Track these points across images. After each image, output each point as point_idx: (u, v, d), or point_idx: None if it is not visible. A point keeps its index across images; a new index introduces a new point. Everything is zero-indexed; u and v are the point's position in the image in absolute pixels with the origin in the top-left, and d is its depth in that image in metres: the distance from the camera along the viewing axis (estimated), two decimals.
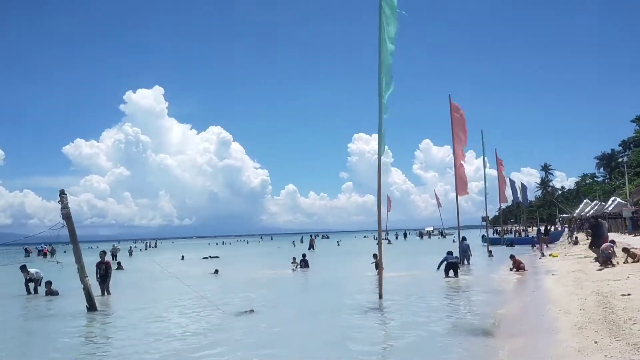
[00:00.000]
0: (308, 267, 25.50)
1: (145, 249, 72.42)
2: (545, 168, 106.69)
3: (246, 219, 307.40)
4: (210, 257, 41.12)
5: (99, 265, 16.54)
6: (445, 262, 18.60)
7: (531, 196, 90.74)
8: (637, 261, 15.88)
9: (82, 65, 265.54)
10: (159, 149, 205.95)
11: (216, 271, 24.11)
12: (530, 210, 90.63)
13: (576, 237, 36.15)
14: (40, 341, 10.25)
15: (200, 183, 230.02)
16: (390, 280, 16.23)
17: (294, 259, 26.92)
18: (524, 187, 57.55)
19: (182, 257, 40.78)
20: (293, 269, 24.54)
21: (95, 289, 15.73)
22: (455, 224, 29.10)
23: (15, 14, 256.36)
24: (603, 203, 49.83)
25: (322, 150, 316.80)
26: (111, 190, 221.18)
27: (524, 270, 19.42)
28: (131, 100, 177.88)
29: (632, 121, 64.77)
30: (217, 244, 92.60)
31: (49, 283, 17.02)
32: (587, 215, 50.26)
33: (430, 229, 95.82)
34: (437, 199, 74.98)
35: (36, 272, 18.11)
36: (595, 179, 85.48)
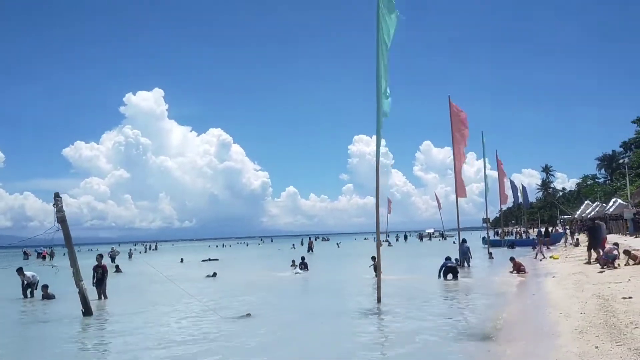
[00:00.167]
0: (307, 269, 25.35)
1: (145, 252, 72.28)
2: (546, 169, 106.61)
3: (247, 221, 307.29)
4: (209, 259, 41.01)
5: (95, 268, 16.41)
6: (444, 268, 18.46)
7: (532, 197, 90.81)
8: (639, 263, 15.75)
9: (82, 68, 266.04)
10: (159, 151, 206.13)
11: (214, 274, 23.97)
12: (531, 212, 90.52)
13: (577, 239, 36.02)
14: (35, 347, 10.10)
15: (200, 185, 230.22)
16: (389, 283, 16.08)
17: (293, 261, 26.79)
18: (524, 189, 57.43)
19: (182, 260, 40.64)
20: (296, 272, 24.38)
21: (92, 293, 15.69)
22: (455, 225, 28.94)
23: (16, 16, 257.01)
24: (604, 204, 49.68)
25: (322, 152, 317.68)
26: (111, 192, 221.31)
27: (525, 272, 19.28)
28: (131, 103, 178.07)
29: (633, 122, 64.63)
30: (217, 246, 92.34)
31: (45, 287, 16.88)
32: (588, 216, 50.13)
33: (431, 230, 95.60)
34: (438, 201, 74.85)
35: (32, 276, 18.00)
36: (596, 180, 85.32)
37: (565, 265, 19.85)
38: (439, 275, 18.39)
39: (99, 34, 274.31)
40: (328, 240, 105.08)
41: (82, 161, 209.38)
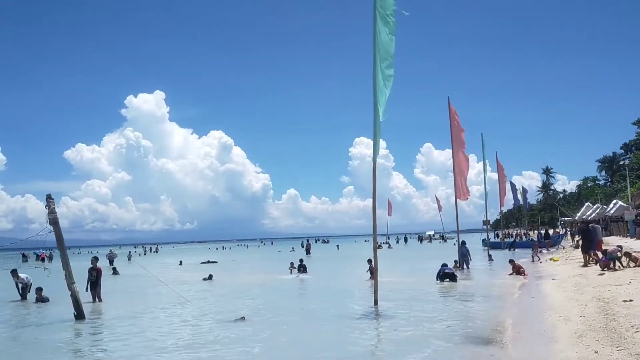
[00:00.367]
0: (306, 272, 25.18)
1: (145, 254, 72.19)
2: (547, 171, 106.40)
3: (248, 223, 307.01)
4: (209, 262, 40.81)
5: (90, 271, 16.25)
6: (441, 274, 18.29)
7: (532, 199, 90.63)
8: (639, 265, 15.56)
9: (83, 70, 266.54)
10: (160, 154, 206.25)
11: (210, 276, 23.76)
12: (531, 214, 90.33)
13: (577, 241, 35.79)
14: (22, 352, 9.88)
15: (201, 187, 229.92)
16: (387, 286, 15.87)
17: (292, 263, 26.60)
18: (524, 191, 57.26)
19: (180, 262, 40.43)
20: (298, 275, 24.19)
21: (87, 296, 15.54)
22: (456, 227, 28.73)
23: (17, 19, 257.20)
24: (605, 206, 49.49)
25: (323, 155, 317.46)
26: (112, 194, 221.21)
27: (524, 274, 19.11)
28: (132, 105, 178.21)
29: (634, 124, 64.53)
30: (217, 248, 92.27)
31: (39, 289, 16.71)
32: (589, 218, 49.95)
33: (431, 232, 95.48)
34: (438, 203, 74.86)
35: (26, 278, 17.87)
36: (597, 182, 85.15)
37: (565, 268, 19.65)
38: (437, 280, 18.20)
39: (100, 37, 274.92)
40: (328, 242, 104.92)
41: (84, 163, 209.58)
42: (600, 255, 17.47)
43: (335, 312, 12.50)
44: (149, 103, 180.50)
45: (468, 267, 23.67)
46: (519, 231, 70.90)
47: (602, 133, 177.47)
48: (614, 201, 45.48)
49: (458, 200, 26.46)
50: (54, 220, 12.53)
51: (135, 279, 25.15)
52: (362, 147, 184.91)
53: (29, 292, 17.41)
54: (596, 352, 6.71)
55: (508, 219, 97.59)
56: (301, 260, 26.75)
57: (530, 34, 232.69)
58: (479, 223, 65.60)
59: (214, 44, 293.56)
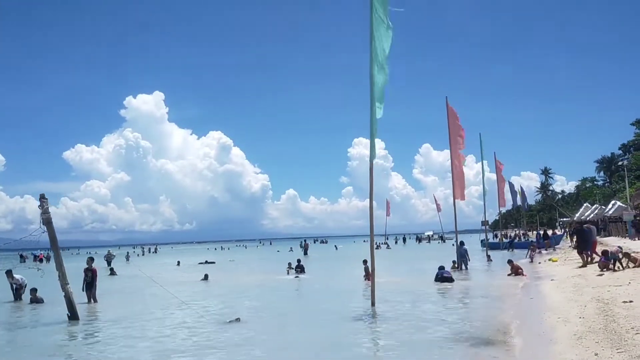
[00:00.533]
0: (304, 272, 25.06)
1: (143, 255, 72.06)
2: (545, 172, 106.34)
3: (247, 223, 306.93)
4: (207, 262, 40.63)
5: (85, 271, 16.13)
6: (439, 277, 18.17)
7: (531, 200, 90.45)
8: (639, 266, 15.47)
9: (82, 71, 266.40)
10: (160, 154, 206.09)
11: (206, 276, 23.61)
12: (530, 215, 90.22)
13: (575, 242, 35.69)
14: (19, 354, 9.72)
15: (200, 188, 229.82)
16: (385, 287, 15.76)
17: (290, 264, 26.48)
18: (523, 191, 57.17)
19: (178, 263, 40.28)
20: (296, 276, 24.06)
21: (82, 297, 15.43)
22: (454, 228, 28.61)
23: (16, 19, 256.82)
24: (603, 207, 49.43)
25: (322, 155, 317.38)
26: (112, 195, 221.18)
27: (523, 275, 19.00)
28: (131, 106, 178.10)
29: (632, 124, 64.48)
30: (215, 249, 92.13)
31: (34, 290, 16.58)
32: (587, 219, 49.89)
33: (430, 233, 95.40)
34: (437, 204, 74.61)
35: (21, 279, 17.76)
36: (596, 182, 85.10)
37: (564, 268, 19.54)
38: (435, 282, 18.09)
39: (99, 37, 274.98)
40: (326, 242, 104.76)
41: (83, 164, 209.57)
42: (596, 256, 17.40)
43: (332, 314, 12.35)
44: (148, 104, 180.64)
45: (467, 268, 23.55)
46: (517, 232, 70.74)
47: (601, 134, 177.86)
48: (613, 202, 45.42)
49: (458, 199, 26.39)
50: (47, 221, 12.41)
51: (132, 280, 25.00)
52: (361, 147, 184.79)
53: (23, 293, 17.28)
54: (596, 354, 6.60)
55: (507, 220, 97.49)
56: (299, 261, 26.62)
57: (529, 34, 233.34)
58: (477, 223, 65.46)
59: (212, 44, 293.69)
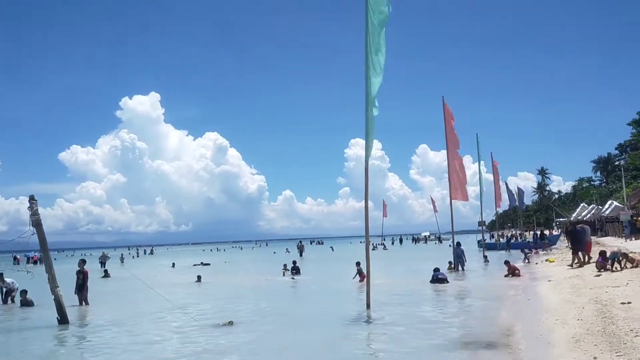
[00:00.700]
0: (299, 274, 24.87)
1: (137, 256, 71.67)
2: (542, 172, 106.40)
3: (243, 225, 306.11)
4: (202, 263, 40.36)
5: (77, 274, 15.94)
6: (435, 279, 18.02)
7: (528, 200, 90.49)
8: (636, 266, 15.33)
9: (78, 71, 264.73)
10: (156, 155, 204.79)
11: (199, 278, 23.38)
12: (527, 215, 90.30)
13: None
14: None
15: (196, 189, 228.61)
16: (380, 289, 15.55)
17: (285, 265, 26.28)
18: (520, 191, 57.12)
19: (173, 265, 40.01)
20: (292, 277, 23.85)
21: (73, 299, 15.23)
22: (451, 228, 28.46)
23: (11, 20, 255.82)
24: (600, 207, 49.39)
25: (319, 156, 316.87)
26: (107, 196, 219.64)
27: (520, 276, 18.86)
28: (127, 107, 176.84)
29: (629, 124, 64.38)
30: (211, 250, 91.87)
31: (24, 292, 16.37)
32: (584, 219, 49.86)
33: (427, 234, 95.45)
34: (433, 204, 74.64)
35: (12, 282, 17.54)
36: (592, 182, 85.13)
37: (561, 269, 19.38)
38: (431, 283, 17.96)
39: (95, 38, 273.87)
40: (322, 243, 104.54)
41: (78, 165, 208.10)
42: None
43: (326, 316, 12.16)
44: (144, 105, 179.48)
45: (463, 269, 23.42)
46: (514, 232, 70.76)
47: (598, 134, 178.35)
48: (610, 202, 45.36)
49: (454, 200, 26.23)
50: (37, 222, 12.17)
51: (126, 282, 24.73)
52: (357, 148, 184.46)
53: (15, 296, 17.04)
54: (595, 357, 6.43)
55: (504, 220, 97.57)
56: (294, 262, 26.43)
57: (526, 34, 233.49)
58: (474, 224, 65.64)
59: (209, 45, 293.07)
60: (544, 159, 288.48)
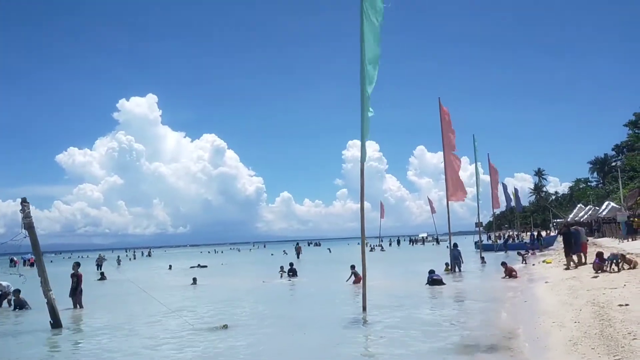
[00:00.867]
0: (296, 276, 24.76)
1: (134, 258, 71.44)
2: (539, 173, 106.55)
3: (241, 226, 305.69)
4: (199, 265, 40.24)
5: (71, 277, 15.85)
6: (430, 280, 17.95)
7: (525, 201, 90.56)
8: (634, 267, 15.28)
9: (75, 73, 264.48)
10: (153, 157, 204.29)
11: (194, 280, 23.24)
12: (524, 216, 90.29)
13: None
14: None
15: (194, 191, 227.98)
16: (377, 291, 15.48)
17: (282, 267, 26.17)
18: (516, 192, 57.17)
19: (170, 267, 39.88)
20: (289, 279, 23.74)
21: (68, 302, 15.17)
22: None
23: (8, 23, 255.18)
24: (597, 208, 49.39)
25: (316, 158, 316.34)
26: (105, 198, 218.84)
27: (516, 277, 18.80)
28: (124, 109, 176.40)
29: (625, 125, 64.48)
30: (209, 252, 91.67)
31: (17, 291, 16.32)
32: (581, 220, 49.86)
33: (424, 235, 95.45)
34: (431, 205, 74.67)
35: (7, 286, 17.43)
36: (589, 183, 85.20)
37: (558, 270, 19.32)
38: (427, 285, 17.87)
39: (92, 40, 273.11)
40: (319, 245, 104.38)
41: (76, 167, 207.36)
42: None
43: (322, 319, 12.07)
44: (141, 106, 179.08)
45: (460, 270, 23.35)
46: (511, 233, 70.79)
47: (594, 135, 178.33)
48: (606, 203, 45.38)
49: (451, 201, 26.18)
50: (29, 225, 12.05)
51: (122, 285, 24.57)
52: (355, 150, 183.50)
53: (11, 299, 16.90)
54: None
55: (501, 221, 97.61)
56: (291, 265, 26.31)
57: (524, 34, 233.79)
58: (471, 225, 65.59)
59: (206, 47, 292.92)
60: (540, 160, 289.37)
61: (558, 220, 69.15)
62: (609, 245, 28.49)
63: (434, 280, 17.83)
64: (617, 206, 40.77)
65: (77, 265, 16.36)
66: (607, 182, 70.04)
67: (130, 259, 67.86)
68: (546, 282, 16.03)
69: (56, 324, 12.06)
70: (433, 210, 73.30)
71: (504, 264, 20.26)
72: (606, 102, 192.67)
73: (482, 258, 29.31)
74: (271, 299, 17.53)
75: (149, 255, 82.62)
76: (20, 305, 15.97)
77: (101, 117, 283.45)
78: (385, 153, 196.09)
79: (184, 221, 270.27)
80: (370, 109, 12.48)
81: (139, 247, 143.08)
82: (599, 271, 15.53)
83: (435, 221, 73.08)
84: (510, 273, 19.17)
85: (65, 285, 16.17)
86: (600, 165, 79.13)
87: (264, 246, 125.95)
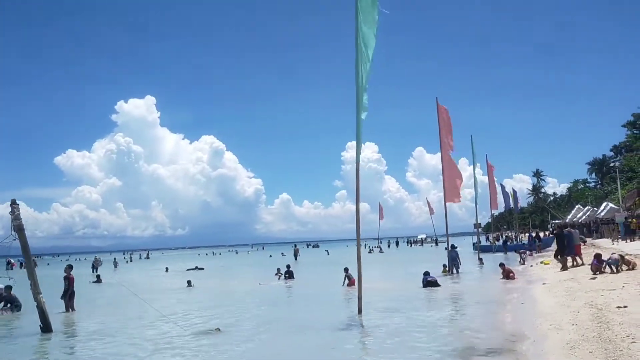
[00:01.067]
0: (293, 278, 24.58)
1: (131, 261, 71.15)
2: (537, 174, 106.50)
3: (240, 228, 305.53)
4: (196, 268, 40.05)
5: (64, 279, 15.66)
6: (425, 282, 17.79)
7: (523, 202, 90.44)
8: (632, 269, 15.13)
9: (73, 75, 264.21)
10: (151, 159, 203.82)
11: (189, 282, 23.04)
12: (522, 217, 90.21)
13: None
14: None
15: (193, 193, 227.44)
16: (372, 293, 15.27)
17: (279, 269, 26.00)
18: (515, 193, 57.06)
19: (167, 269, 39.66)
20: (286, 282, 23.55)
21: (60, 304, 15.02)
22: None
23: (6, 25, 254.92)
24: (595, 208, 49.31)
25: (315, 159, 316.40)
26: (103, 200, 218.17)
27: (514, 279, 18.65)
28: (123, 110, 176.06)
29: (623, 126, 64.46)
30: (206, 254, 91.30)
31: (8, 288, 16.17)
32: (579, 221, 49.79)
33: (423, 236, 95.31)
34: (429, 207, 74.44)
35: (1, 288, 17.14)
36: (587, 184, 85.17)
37: (556, 271, 19.17)
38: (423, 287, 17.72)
39: (90, 43, 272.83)
40: (318, 247, 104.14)
41: (74, 169, 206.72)
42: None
43: (317, 322, 11.85)
44: (139, 108, 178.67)
45: (458, 272, 23.19)
46: (509, 234, 70.64)
47: (592, 135, 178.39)
48: (605, 203, 45.31)
49: (449, 202, 26.02)
50: (19, 227, 11.86)
51: (116, 288, 24.35)
52: (354, 151, 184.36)
53: (1, 302, 16.72)
54: None
55: (499, 222, 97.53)
56: (288, 267, 26.13)
57: (522, 35, 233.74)
58: (470, 226, 65.34)
59: (204, 48, 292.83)
60: (539, 161, 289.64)
61: (556, 221, 69.09)
62: (607, 246, 28.37)
63: (429, 282, 17.68)
64: (616, 207, 40.71)
65: (69, 267, 16.18)
66: (606, 183, 70.01)
67: (127, 262, 67.58)
68: (544, 284, 15.88)
69: (46, 328, 11.85)
70: (431, 212, 73.13)
71: (501, 265, 20.12)
72: (604, 103, 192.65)
73: (480, 259, 29.20)
74: (267, 301, 17.31)
75: (147, 257, 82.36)
76: (11, 301, 15.78)
77: (99, 119, 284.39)
78: (385, 154, 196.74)
79: (182, 223, 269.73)
80: (367, 105, 12.39)
81: (137, 249, 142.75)
82: (597, 272, 15.38)
83: (434, 222, 72.98)
84: (507, 274, 19.03)
85: (59, 288, 15.97)
86: (599, 166, 79.12)
87: (263, 248, 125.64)
